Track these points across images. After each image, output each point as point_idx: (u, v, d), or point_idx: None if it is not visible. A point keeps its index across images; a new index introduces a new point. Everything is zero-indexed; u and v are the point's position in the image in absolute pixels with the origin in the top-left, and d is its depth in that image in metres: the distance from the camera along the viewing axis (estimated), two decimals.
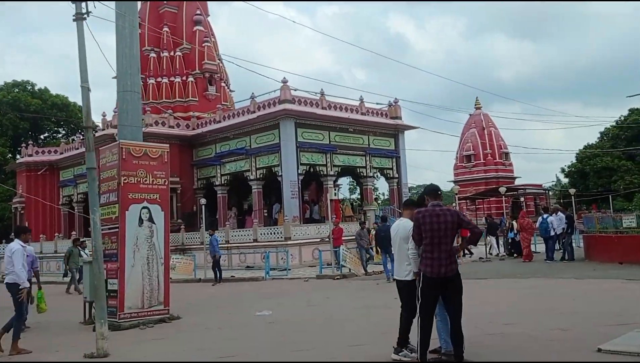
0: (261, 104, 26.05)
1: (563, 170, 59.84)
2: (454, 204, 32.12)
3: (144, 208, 10.09)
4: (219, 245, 18.61)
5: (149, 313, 9.94)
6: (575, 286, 11.63)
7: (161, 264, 10.24)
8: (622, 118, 56.06)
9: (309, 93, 26.02)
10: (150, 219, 10.14)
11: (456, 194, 23.80)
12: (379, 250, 17.17)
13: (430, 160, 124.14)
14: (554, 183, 61.58)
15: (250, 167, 26.43)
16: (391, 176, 28.90)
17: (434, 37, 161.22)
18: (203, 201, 23.49)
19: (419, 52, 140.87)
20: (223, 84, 34.78)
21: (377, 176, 29.20)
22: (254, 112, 25.96)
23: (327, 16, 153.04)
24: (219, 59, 35.50)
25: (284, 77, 24.91)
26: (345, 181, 41.23)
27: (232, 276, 18.82)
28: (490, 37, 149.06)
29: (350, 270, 17.29)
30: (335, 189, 26.39)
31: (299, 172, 24.77)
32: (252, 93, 26.88)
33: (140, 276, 9.92)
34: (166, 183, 10.64)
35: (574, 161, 58.77)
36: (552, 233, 18.07)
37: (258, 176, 26.19)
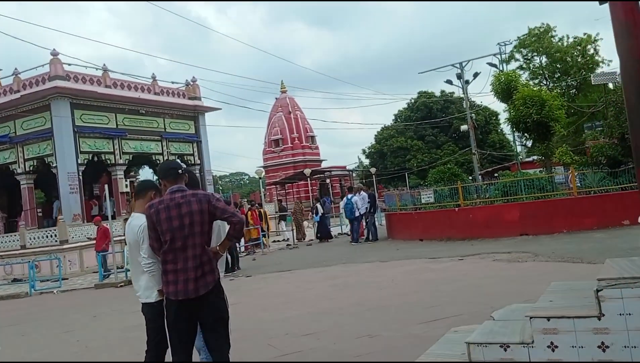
0: (27, 81, 21.58)
1: (364, 151, 62.96)
2: (262, 191, 30.97)
3: None
4: None
5: None
6: (380, 272, 10.76)
7: None
8: (412, 100, 60.65)
9: (88, 68, 22.32)
10: None
11: (260, 178, 22.36)
12: None
13: (242, 148, 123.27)
14: (356, 164, 64.50)
15: (17, 158, 21.85)
16: (192, 162, 26.42)
17: (236, 23, 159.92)
18: None
19: (221, 37, 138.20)
20: None
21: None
22: (18, 91, 21.40)
23: None
24: None
25: (54, 49, 20.87)
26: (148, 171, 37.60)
27: None
28: (290, 25, 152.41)
29: None
30: (126, 181, 23.09)
31: (80, 162, 21.04)
32: (16, 68, 22.21)
33: None
34: None
35: (374, 142, 62.24)
36: (357, 214, 17.58)
37: (27, 169, 21.75)
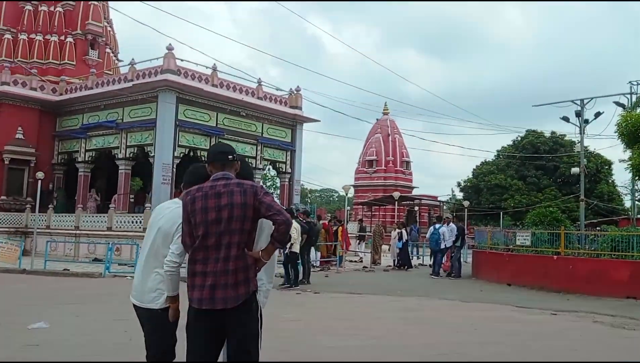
0: (141, 72, 22.63)
1: (459, 184, 60.71)
2: (347, 208, 30.49)
3: None
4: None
5: None
6: (459, 312, 9.75)
7: None
8: (519, 138, 57.73)
9: (199, 66, 23.04)
10: None
11: (347, 195, 21.79)
12: None
13: (337, 165, 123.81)
14: (449, 197, 62.34)
15: (120, 144, 22.88)
16: (284, 170, 26.48)
17: (349, 43, 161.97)
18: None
19: (332, 56, 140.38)
20: (108, 50, 30.65)
21: (268, 168, 26.71)
22: (132, 80, 22.47)
23: (245, 10, 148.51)
24: (107, 22, 31.42)
25: (170, 44, 21.76)
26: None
27: (65, 269, 15.37)
28: (401, 51, 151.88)
29: None
30: None
31: (176, 155, 21.64)
32: (133, 59, 23.43)
33: None
34: None
35: (470, 176, 59.87)
36: (443, 246, 16.49)
37: (128, 155, 22.70)
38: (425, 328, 8.01)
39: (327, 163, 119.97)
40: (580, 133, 19.09)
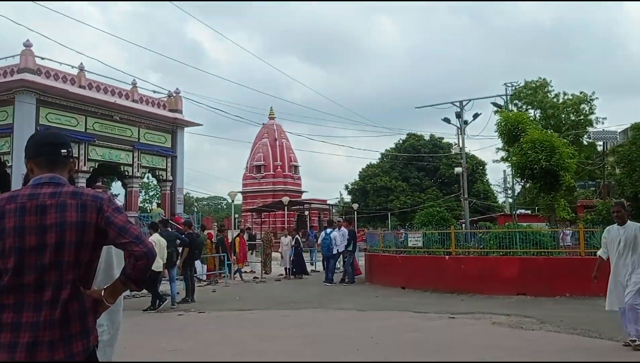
0: None
1: (347, 187, 61.64)
2: (234, 215, 29.26)
3: None
4: None
5: None
6: (357, 324, 9.07)
7: None
8: (401, 141, 59.75)
9: (63, 65, 20.67)
10: None
11: (233, 201, 20.61)
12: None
13: (224, 172, 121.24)
14: (338, 200, 63.03)
15: None
16: (164, 178, 24.68)
17: (231, 48, 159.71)
18: None
19: (214, 61, 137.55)
20: None
21: (147, 176, 24.78)
22: None
23: (119, 13, 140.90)
24: None
25: (27, 40, 19.27)
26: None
27: None
28: (283, 58, 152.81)
29: None
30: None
31: None
32: None
33: None
34: None
35: (357, 179, 60.99)
36: (335, 251, 15.92)
37: None
38: (324, 347, 7.18)
39: (214, 169, 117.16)
40: (461, 134, 19.63)
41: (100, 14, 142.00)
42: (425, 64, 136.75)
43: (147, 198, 68.40)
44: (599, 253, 7.10)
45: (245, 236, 19.87)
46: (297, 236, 19.07)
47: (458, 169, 22.87)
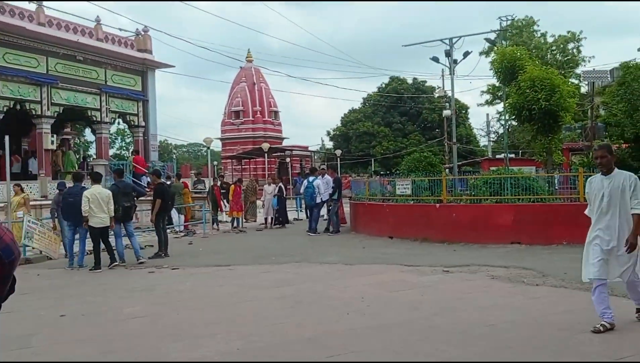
0: None
1: (328, 133, 60.56)
2: (211, 163, 28.03)
3: None
4: None
5: None
6: (343, 281, 8.27)
7: None
8: (383, 85, 58.35)
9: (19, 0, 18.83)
10: None
11: (209, 148, 19.46)
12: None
13: (204, 119, 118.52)
14: (319, 146, 61.99)
15: None
16: (136, 123, 23.29)
17: None
18: None
19: (186, 6, 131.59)
20: None
21: (116, 121, 23.36)
22: None
23: None
24: None
25: None
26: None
27: None
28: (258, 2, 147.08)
29: (41, 252, 11.78)
30: (52, 137, 19.73)
31: None
32: None
33: None
34: None
35: (339, 125, 59.78)
36: (319, 200, 15.06)
37: None
38: (308, 311, 6.37)
39: (193, 116, 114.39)
40: (450, 74, 18.48)
41: None
42: (411, 5, 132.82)
43: (123, 145, 66.52)
44: (586, 212, 5.47)
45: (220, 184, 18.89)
46: (280, 184, 18.12)
47: (447, 112, 21.88)
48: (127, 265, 10.30)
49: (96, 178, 10.28)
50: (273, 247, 12.47)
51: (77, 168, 20.74)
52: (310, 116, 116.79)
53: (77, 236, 10.49)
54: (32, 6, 19.32)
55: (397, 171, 16.54)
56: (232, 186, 17.65)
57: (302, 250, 11.83)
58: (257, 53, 50.07)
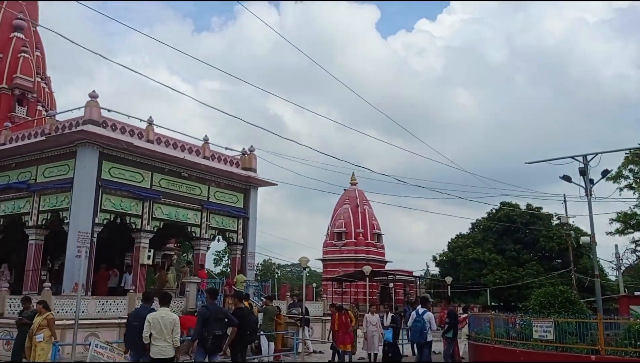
0: (60, 125, 18.82)
1: (434, 258, 57.09)
2: (314, 285, 26.34)
3: None
4: None
5: None
6: None
7: None
8: (493, 211, 55.03)
9: (131, 118, 19.37)
10: None
11: (305, 269, 17.73)
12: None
13: (307, 239, 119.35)
14: (424, 271, 58.48)
15: (32, 208, 18.69)
16: (235, 240, 22.44)
17: (310, 123, 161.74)
18: None
19: (294, 134, 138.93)
20: (40, 108, 26.96)
21: (217, 238, 22.62)
22: (50, 133, 18.60)
23: (207, 90, 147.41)
24: (42, 78, 27.97)
25: (93, 91, 18.20)
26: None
27: None
28: (362, 131, 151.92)
29: None
30: (149, 252, 19.15)
31: (97, 221, 17.50)
32: (52, 110, 19.71)
33: None
34: None
35: (446, 250, 56.40)
36: (430, 337, 12.50)
37: (40, 222, 18.45)
38: None
39: (297, 237, 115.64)
40: (588, 194, 15.72)
41: (192, 91, 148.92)
42: (506, 134, 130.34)
43: (229, 262, 67.26)
44: None
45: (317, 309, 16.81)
46: (392, 314, 15.64)
47: (585, 239, 18.67)
48: None
49: (164, 299, 8.78)
50: None
51: (174, 287, 19.90)
52: (411, 241, 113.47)
53: None
54: (142, 124, 19.73)
55: (524, 307, 13.68)
56: (337, 314, 15.53)
57: None
58: (360, 179, 49.88)
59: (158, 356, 8.26)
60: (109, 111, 18.59)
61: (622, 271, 44.51)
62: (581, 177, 15.49)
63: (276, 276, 76.74)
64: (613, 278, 49.58)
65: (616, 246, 38.96)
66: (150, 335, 8.29)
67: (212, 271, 24.60)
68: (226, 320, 8.95)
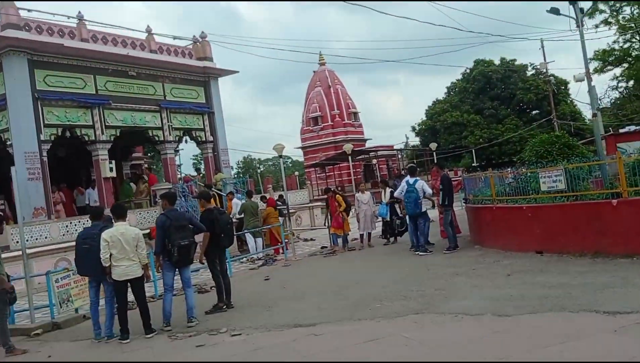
0: None
1: (414, 128, 56.33)
2: (296, 174, 25.24)
3: None
4: None
5: None
6: (517, 352, 4.67)
7: None
8: (468, 70, 53.45)
9: (57, 16, 16.82)
10: None
11: (280, 156, 16.23)
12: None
13: (284, 130, 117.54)
14: (404, 144, 57.79)
15: None
16: (203, 139, 20.78)
17: (266, 8, 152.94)
18: None
19: (251, 24, 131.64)
20: None
21: (183, 140, 20.91)
22: None
23: None
24: None
25: None
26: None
27: None
28: (320, 11, 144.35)
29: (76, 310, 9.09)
30: (111, 163, 17.53)
31: (42, 138, 15.63)
32: None
33: None
34: None
35: (424, 118, 55.46)
36: (424, 207, 11.48)
37: None
38: None
39: (274, 129, 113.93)
40: (579, 25, 14.17)
41: None
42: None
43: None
44: None
45: (302, 197, 15.70)
46: (388, 188, 14.45)
47: (579, 75, 17.27)
48: (174, 329, 7.29)
49: (119, 213, 7.37)
50: (374, 280, 9.03)
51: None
52: (387, 116, 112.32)
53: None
54: (72, 22, 17.20)
55: (520, 159, 12.57)
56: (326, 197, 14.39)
57: (416, 283, 8.29)
58: (327, 58, 46.94)
59: (123, 278, 7.05)
60: (29, 11, 16.05)
61: (600, 111, 44.18)
62: (570, 6, 13.76)
63: (259, 171, 75.97)
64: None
65: (594, 86, 38.15)
66: (111, 255, 7.01)
67: (192, 175, 22.98)
68: (192, 226, 7.63)
